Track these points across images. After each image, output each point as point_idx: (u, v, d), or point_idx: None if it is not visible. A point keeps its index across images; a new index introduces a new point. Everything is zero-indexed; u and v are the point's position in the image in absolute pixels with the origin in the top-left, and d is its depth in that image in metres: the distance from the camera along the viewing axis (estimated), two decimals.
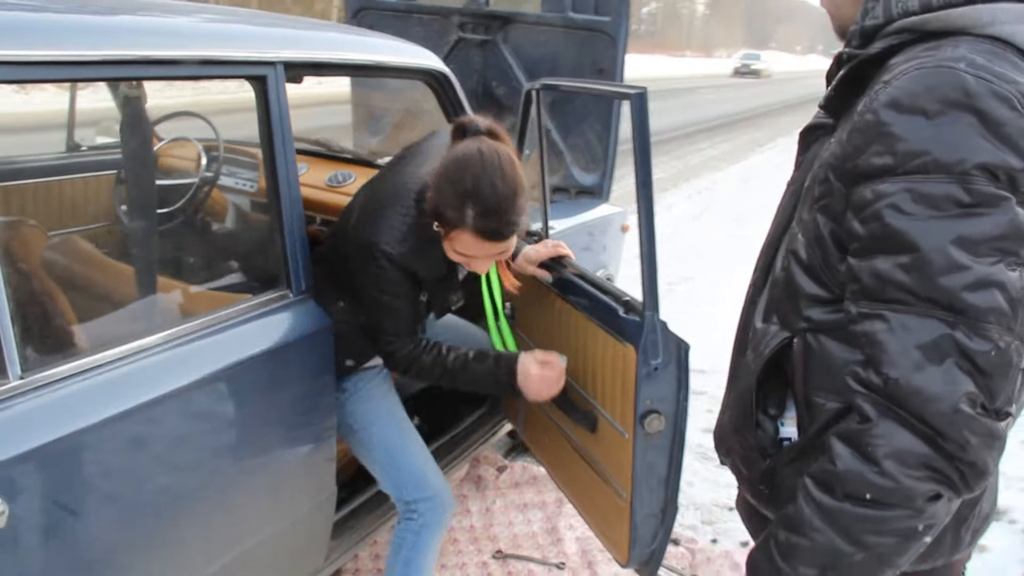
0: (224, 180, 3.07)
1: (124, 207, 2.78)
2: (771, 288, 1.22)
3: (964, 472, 0.95)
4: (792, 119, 22.25)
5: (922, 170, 0.93)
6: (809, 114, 1.32)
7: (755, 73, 51.63)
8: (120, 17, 1.61)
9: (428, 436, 2.46)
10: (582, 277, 2.11)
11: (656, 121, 10.66)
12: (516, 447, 3.58)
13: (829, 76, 1.19)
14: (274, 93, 1.79)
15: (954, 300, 0.92)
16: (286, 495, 1.88)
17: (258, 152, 3.20)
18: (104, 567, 1.46)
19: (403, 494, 2.11)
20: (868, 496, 0.98)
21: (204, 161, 2.96)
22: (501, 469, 3.39)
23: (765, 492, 1.25)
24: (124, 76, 1.60)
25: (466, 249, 1.83)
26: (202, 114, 2.98)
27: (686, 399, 1.82)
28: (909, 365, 0.94)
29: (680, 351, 1.80)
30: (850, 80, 1.10)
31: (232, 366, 1.64)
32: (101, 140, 3.38)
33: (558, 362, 2.02)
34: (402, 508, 2.13)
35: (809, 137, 1.24)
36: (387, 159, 3.64)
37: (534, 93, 2.32)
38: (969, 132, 0.91)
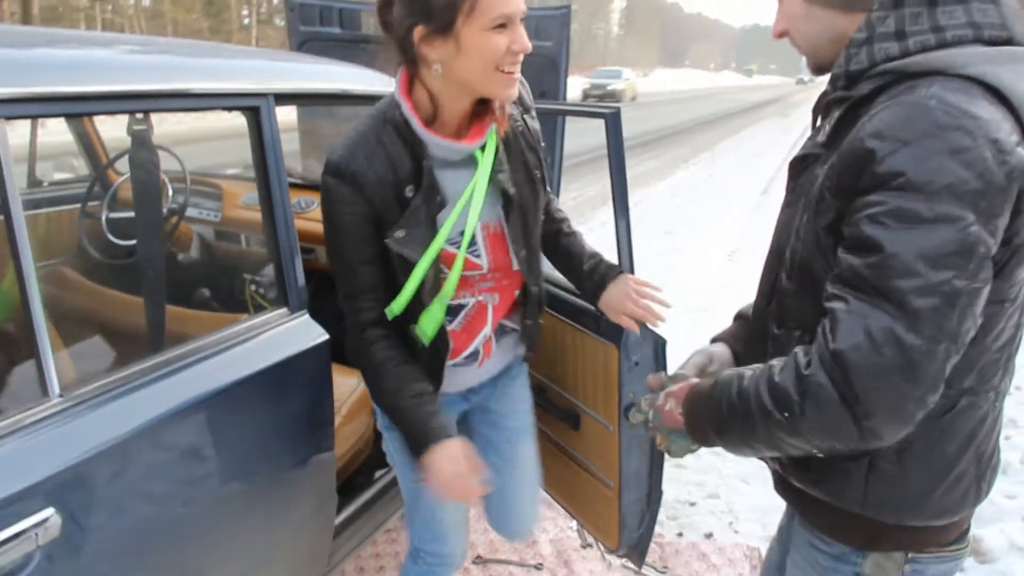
0: (188, 211, 3.15)
1: (87, 239, 2.86)
2: (779, 300, 1.39)
3: (864, 433, 1.13)
4: (710, 135, 22.87)
5: (898, 188, 1.09)
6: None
7: (612, 95, 37.74)
8: (127, 55, 1.71)
9: None
10: (559, 287, 2.25)
11: (584, 140, 10.88)
12: None
13: (816, 110, 1.36)
14: (267, 122, 1.90)
15: (903, 300, 1.09)
16: (290, 503, 1.98)
17: (221, 182, 3.32)
18: (136, 570, 1.54)
19: (415, 540, 2.06)
20: (785, 414, 1.17)
21: (171, 193, 3.04)
22: None
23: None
24: (132, 109, 1.69)
25: (484, 39, 1.49)
26: (166, 146, 3.06)
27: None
28: (853, 342, 1.11)
29: (657, 346, 1.96)
30: (843, 118, 1.26)
31: (242, 380, 1.74)
32: (59, 176, 3.44)
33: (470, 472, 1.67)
34: (412, 547, 2.08)
35: (799, 166, 1.38)
36: None
37: None
38: (937, 158, 1.08)
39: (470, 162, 1.68)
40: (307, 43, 4.38)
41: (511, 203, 1.74)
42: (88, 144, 3.30)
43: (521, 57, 1.53)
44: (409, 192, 1.61)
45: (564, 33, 4.00)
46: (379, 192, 1.60)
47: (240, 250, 3.15)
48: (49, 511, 1.32)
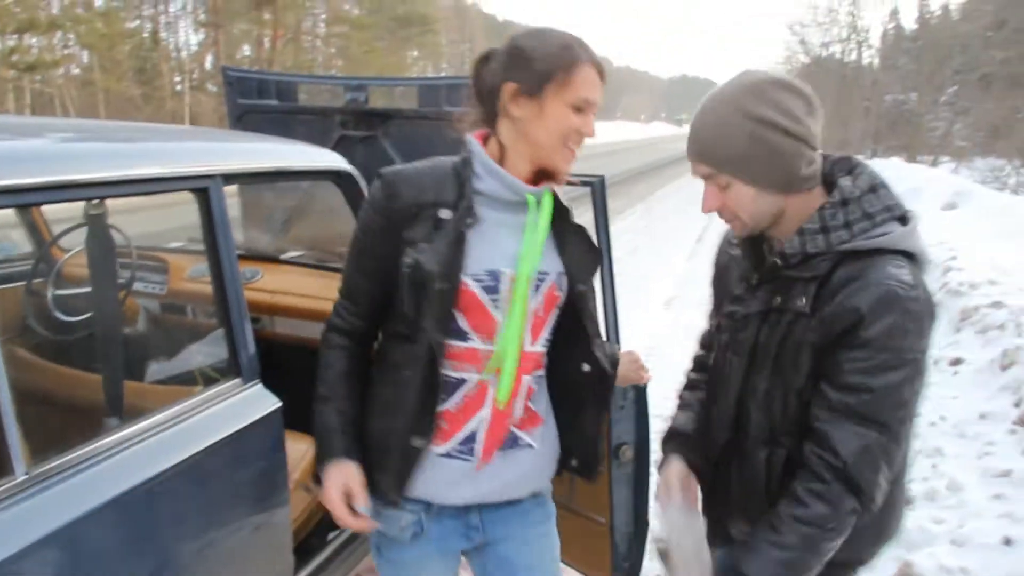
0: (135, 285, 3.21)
1: (34, 317, 2.90)
2: (743, 427, 1.72)
3: (868, 510, 1.53)
4: (645, 186, 23.35)
5: (880, 348, 1.47)
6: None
7: None
8: (79, 143, 1.81)
9: None
10: None
11: None
12: None
13: (763, 278, 1.67)
14: (215, 201, 2.00)
15: (889, 424, 1.50)
16: (248, 567, 2.04)
17: (166, 256, 3.38)
18: None
19: None
20: (829, 525, 1.52)
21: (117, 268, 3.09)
22: None
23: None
24: (87, 197, 1.78)
25: (563, 112, 1.61)
26: (114, 224, 3.13)
27: (647, 427, 2.19)
28: (857, 455, 1.50)
29: (639, 391, 2.14)
30: (794, 286, 1.60)
31: (202, 451, 1.82)
32: None
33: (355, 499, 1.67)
34: None
35: (758, 320, 1.67)
36: (291, 254, 3.87)
37: None
38: (901, 323, 1.46)
39: (520, 209, 1.69)
40: (245, 115, 4.48)
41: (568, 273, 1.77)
42: (30, 222, 3.35)
43: (584, 141, 1.67)
44: (444, 214, 1.64)
45: None
46: (410, 209, 1.65)
47: (188, 321, 3.21)
48: None
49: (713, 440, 1.78)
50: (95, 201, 1.88)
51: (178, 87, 37.12)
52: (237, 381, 2.04)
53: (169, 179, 1.90)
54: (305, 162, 2.52)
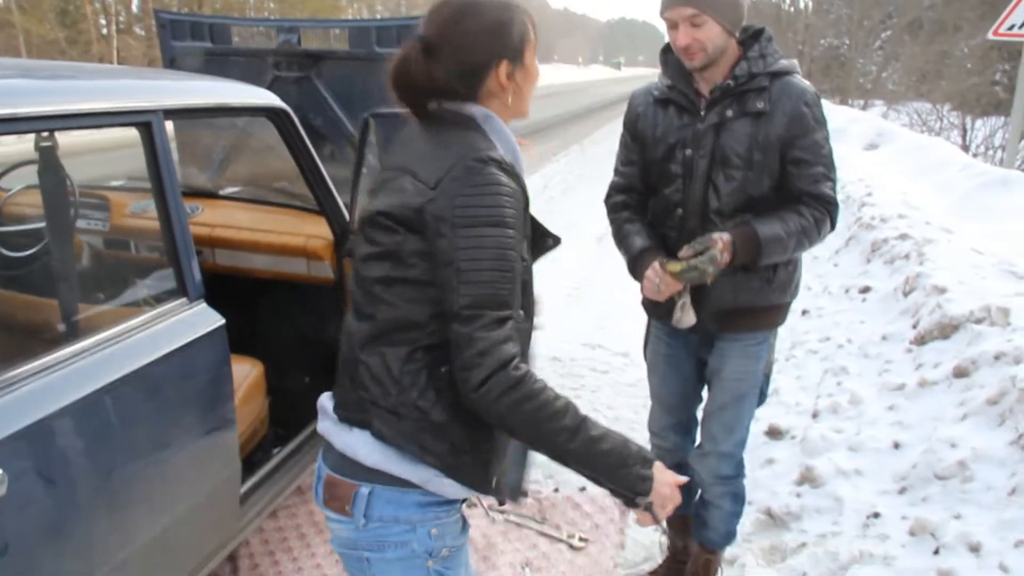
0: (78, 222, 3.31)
1: None
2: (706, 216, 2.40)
3: (833, 228, 2.40)
4: (580, 128, 23.50)
5: (820, 125, 2.33)
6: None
7: None
8: (30, 81, 1.93)
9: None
10: None
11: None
12: None
13: (715, 99, 2.35)
14: (158, 135, 2.14)
15: (831, 179, 2.35)
16: (200, 472, 2.22)
17: (107, 194, 3.49)
18: (64, 530, 1.78)
19: None
20: (817, 228, 2.32)
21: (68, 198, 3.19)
22: None
23: None
24: (41, 128, 1.91)
25: (534, 62, 1.63)
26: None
27: None
28: (831, 196, 2.36)
29: None
30: (743, 95, 2.32)
31: (156, 360, 1.99)
32: None
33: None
34: None
35: (713, 133, 2.36)
36: (229, 190, 3.98)
37: (370, 120, 2.74)
38: (822, 111, 2.34)
39: None
40: (179, 57, 4.54)
41: None
42: None
43: None
44: None
45: None
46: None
47: (132, 254, 3.33)
48: None
49: (680, 233, 2.42)
50: (44, 134, 2.00)
51: (104, 31, 36.03)
52: (183, 300, 2.20)
53: (113, 113, 2.03)
54: (241, 99, 2.65)
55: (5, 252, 3.05)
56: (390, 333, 1.49)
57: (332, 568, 3.02)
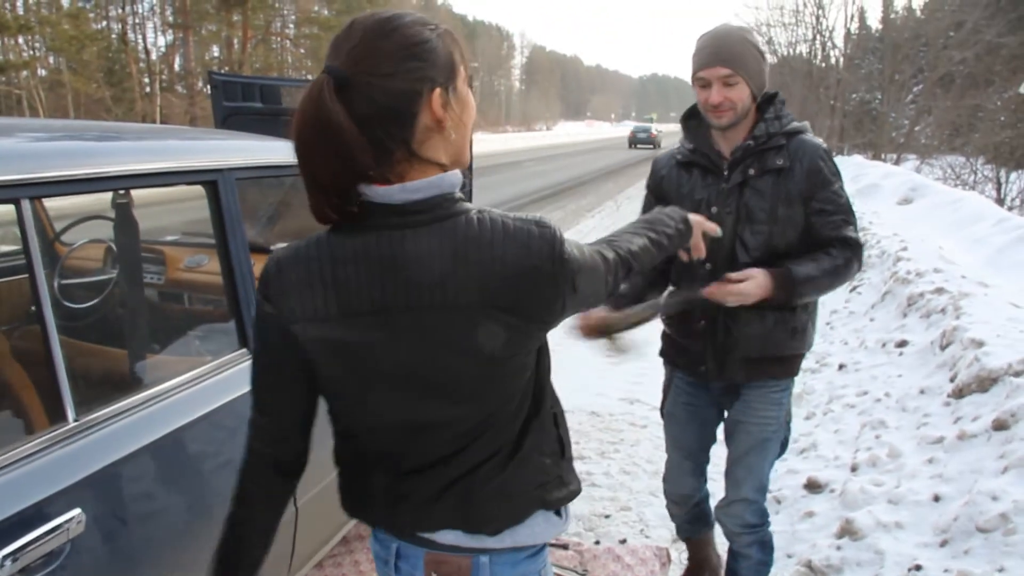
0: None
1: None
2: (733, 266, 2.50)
3: (860, 269, 2.57)
4: (613, 184, 23.70)
5: (835, 177, 2.47)
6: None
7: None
8: (112, 142, 2.06)
9: None
10: None
11: (490, 195, 11.47)
12: None
13: (737, 159, 2.50)
14: (224, 193, 2.26)
15: (855, 224, 2.48)
16: None
17: (162, 248, 3.63)
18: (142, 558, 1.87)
19: None
20: (847, 268, 2.45)
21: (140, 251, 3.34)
22: None
23: None
24: (118, 187, 2.04)
25: (467, 91, 1.36)
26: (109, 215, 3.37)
27: None
28: (856, 239, 2.49)
29: None
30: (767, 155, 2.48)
31: (224, 404, 2.09)
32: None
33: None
34: None
35: (738, 191, 2.50)
36: (279, 245, 4.10)
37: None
38: (834, 163, 2.49)
39: None
40: (231, 117, 4.72)
41: None
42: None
43: None
44: None
45: None
46: None
47: (183, 308, 3.45)
48: (76, 510, 1.65)
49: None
50: (121, 192, 2.13)
51: (147, 89, 37.07)
52: (244, 351, 2.31)
53: (182, 172, 2.16)
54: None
55: (70, 304, 3.20)
56: None
57: None
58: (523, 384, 1.40)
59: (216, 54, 42.80)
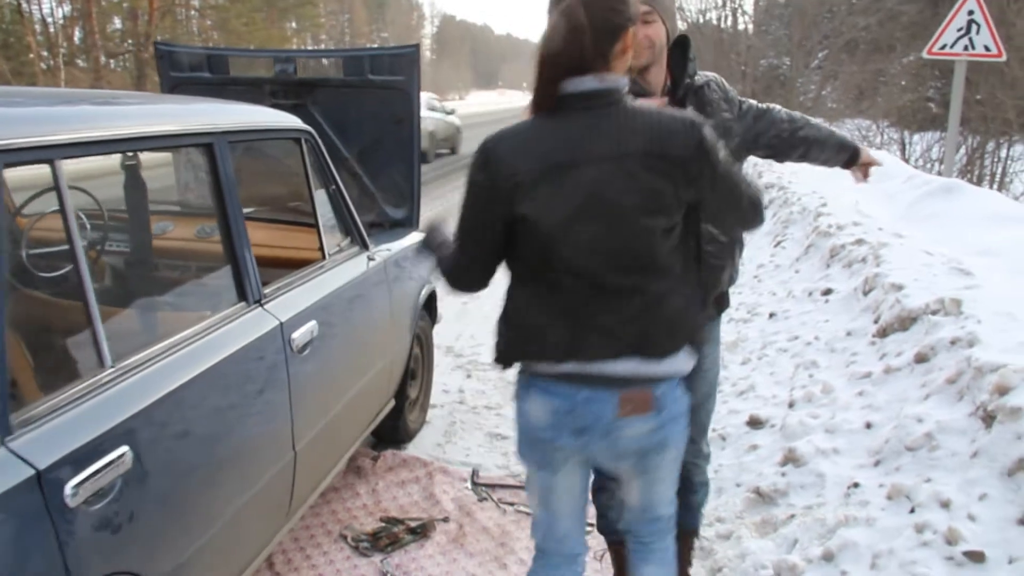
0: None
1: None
2: None
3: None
4: None
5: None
6: None
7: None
8: (113, 107, 2.18)
9: None
10: None
11: (425, 164, 11.43)
12: (380, 441, 4.21)
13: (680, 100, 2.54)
14: (220, 156, 2.39)
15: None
16: (260, 453, 2.47)
17: (127, 215, 3.71)
18: (180, 490, 2.02)
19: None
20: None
21: (89, 229, 3.41)
22: (375, 459, 4.02)
23: None
24: (128, 149, 2.16)
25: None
26: (82, 187, 3.43)
27: None
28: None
29: None
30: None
31: (235, 353, 2.25)
32: None
33: None
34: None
35: None
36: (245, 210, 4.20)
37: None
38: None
39: None
40: (178, 87, 4.78)
41: None
42: None
43: None
44: None
45: (414, 69, 4.59)
46: None
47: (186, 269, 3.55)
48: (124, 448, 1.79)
49: None
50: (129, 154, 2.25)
51: (49, 63, 35.65)
52: (243, 304, 2.46)
53: (182, 135, 2.29)
54: (279, 122, 2.91)
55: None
56: None
57: (359, 559, 3.26)
58: (678, 236, 1.93)
59: (118, 26, 41.35)
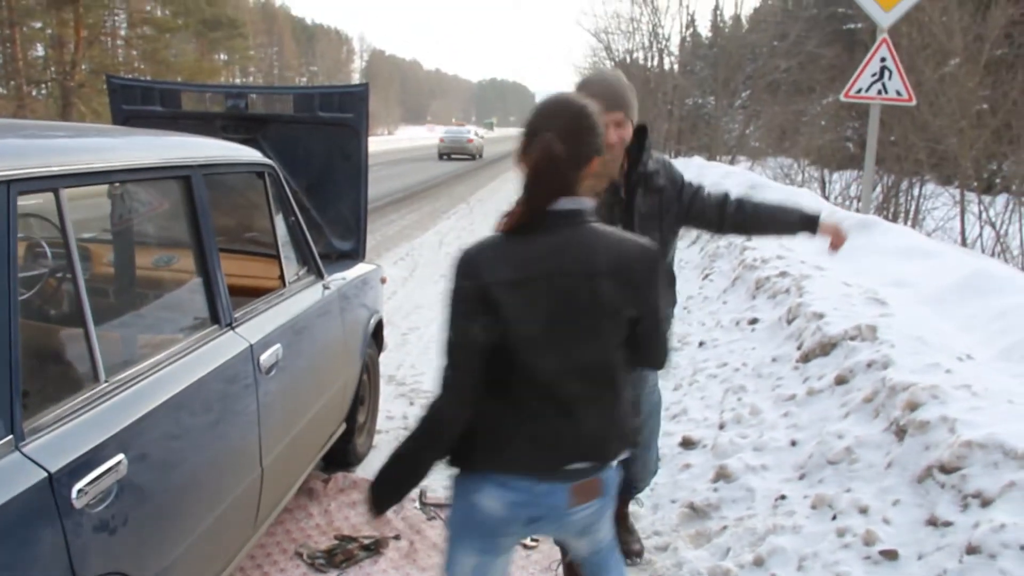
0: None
1: None
2: None
3: None
4: (463, 187, 24.19)
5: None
6: None
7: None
8: (100, 139, 2.33)
9: None
10: None
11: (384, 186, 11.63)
12: (330, 464, 4.34)
13: (623, 186, 2.96)
14: (197, 188, 2.55)
15: None
16: (239, 453, 2.61)
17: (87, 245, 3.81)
18: (166, 496, 2.16)
19: None
20: None
21: (49, 255, 3.51)
22: (326, 480, 4.16)
23: None
24: (110, 181, 2.31)
25: None
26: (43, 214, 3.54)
27: None
28: None
29: None
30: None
31: (214, 370, 2.40)
32: None
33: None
34: None
35: (613, 210, 2.89)
36: None
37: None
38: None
39: None
40: (129, 120, 4.88)
41: None
42: None
43: None
44: None
45: (363, 106, 4.78)
46: None
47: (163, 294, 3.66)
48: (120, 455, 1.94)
49: None
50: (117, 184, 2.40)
51: None
52: (216, 327, 2.61)
53: (160, 168, 2.44)
54: (244, 157, 3.07)
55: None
56: None
57: (315, 575, 3.40)
58: (620, 346, 2.06)
59: (40, 53, 40.65)
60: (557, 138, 1.93)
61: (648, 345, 2.12)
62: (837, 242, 3.10)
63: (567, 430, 2.03)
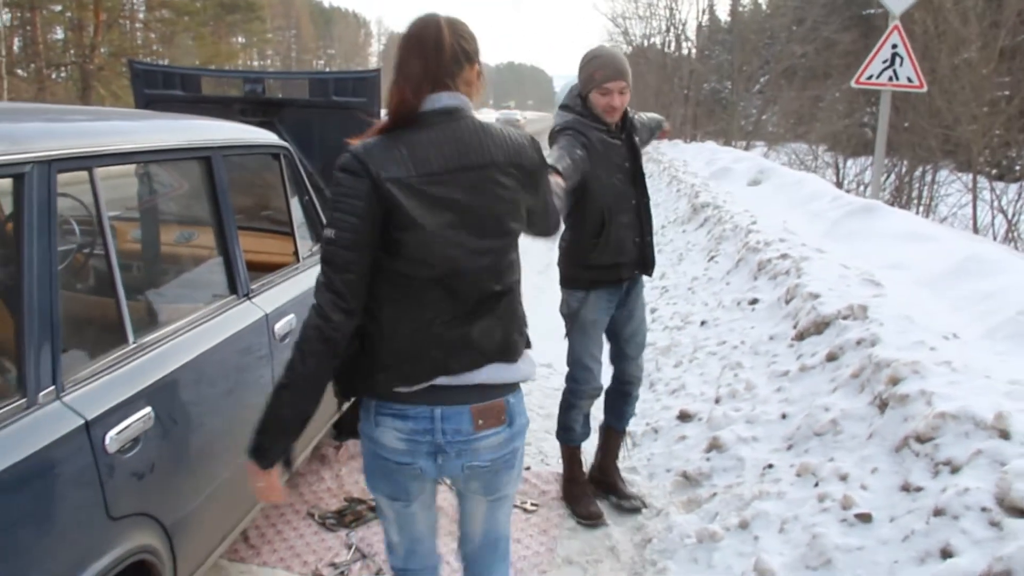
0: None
1: None
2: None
3: None
4: None
5: None
6: None
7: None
8: (127, 122, 2.53)
9: None
10: None
11: None
12: (341, 433, 4.54)
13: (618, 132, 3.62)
14: (217, 168, 2.74)
15: None
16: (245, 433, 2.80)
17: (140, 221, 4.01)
18: (189, 448, 2.37)
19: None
20: None
21: (77, 231, 3.72)
22: (338, 447, 4.36)
23: None
24: (138, 161, 2.50)
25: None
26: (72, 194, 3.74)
27: None
28: None
29: None
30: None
31: (236, 333, 2.61)
32: None
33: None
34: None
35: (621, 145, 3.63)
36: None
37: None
38: None
39: None
40: (151, 104, 5.08)
41: None
42: None
43: None
44: None
45: (376, 91, 4.96)
46: None
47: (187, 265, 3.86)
48: (148, 408, 2.14)
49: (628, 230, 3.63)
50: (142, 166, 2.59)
51: None
52: (234, 297, 2.81)
53: (183, 149, 2.63)
54: (262, 139, 3.26)
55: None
56: None
57: (326, 533, 3.60)
58: (517, 242, 2.10)
59: (60, 36, 40.95)
60: (441, 26, 1.99)
61: (539, 220, 2.25)
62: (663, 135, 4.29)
63: (476, 330, 1.99)
